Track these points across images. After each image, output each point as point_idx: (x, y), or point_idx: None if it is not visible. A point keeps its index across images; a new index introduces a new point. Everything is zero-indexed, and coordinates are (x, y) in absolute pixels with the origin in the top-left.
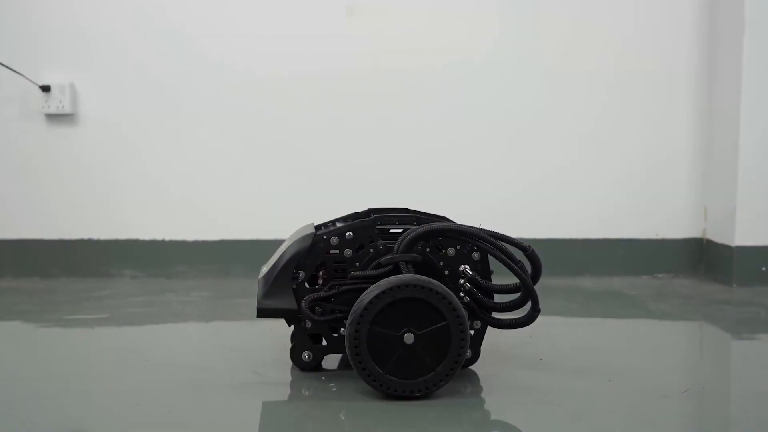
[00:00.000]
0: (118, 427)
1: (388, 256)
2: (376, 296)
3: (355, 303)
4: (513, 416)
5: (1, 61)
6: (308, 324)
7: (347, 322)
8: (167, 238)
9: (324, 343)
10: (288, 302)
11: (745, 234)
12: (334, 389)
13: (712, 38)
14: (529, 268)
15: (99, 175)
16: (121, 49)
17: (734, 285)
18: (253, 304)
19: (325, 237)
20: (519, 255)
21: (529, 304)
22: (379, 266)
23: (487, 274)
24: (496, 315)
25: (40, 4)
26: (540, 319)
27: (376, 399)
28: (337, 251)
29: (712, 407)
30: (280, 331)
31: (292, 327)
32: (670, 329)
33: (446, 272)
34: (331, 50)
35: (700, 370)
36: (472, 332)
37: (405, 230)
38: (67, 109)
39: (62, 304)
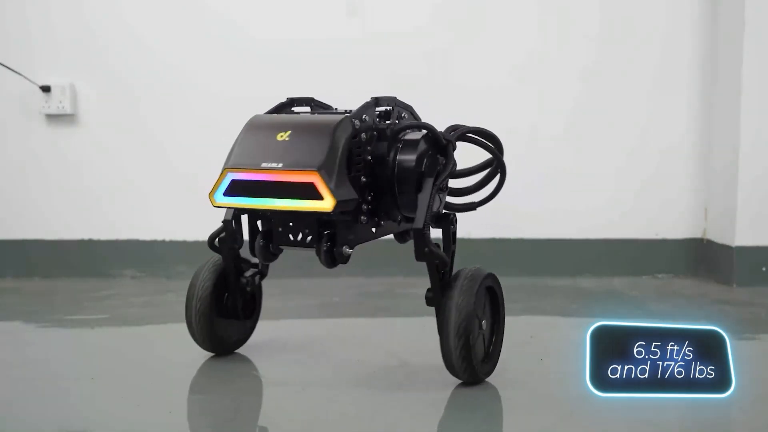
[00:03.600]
0: (119, 427)
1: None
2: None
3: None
4: (511, 416)
5: (1, 61)
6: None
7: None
8: (167, 238)
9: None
10: (352, 192)
11: (745, 234)
12: (335, 389)
13: (712, 38)
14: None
15: (99, 175)
16: (121, 50)
17: (734, 285)
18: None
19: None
20: None
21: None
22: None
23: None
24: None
25: (40, 5)
26: (540, 319)
27: (380, 398)
28: (364, 137)
29: (712, 407)
30: (281, 331)
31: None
32: None
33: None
34: (332, 50)
35: None
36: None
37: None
38: (68, 110)
39: (62, 305)
